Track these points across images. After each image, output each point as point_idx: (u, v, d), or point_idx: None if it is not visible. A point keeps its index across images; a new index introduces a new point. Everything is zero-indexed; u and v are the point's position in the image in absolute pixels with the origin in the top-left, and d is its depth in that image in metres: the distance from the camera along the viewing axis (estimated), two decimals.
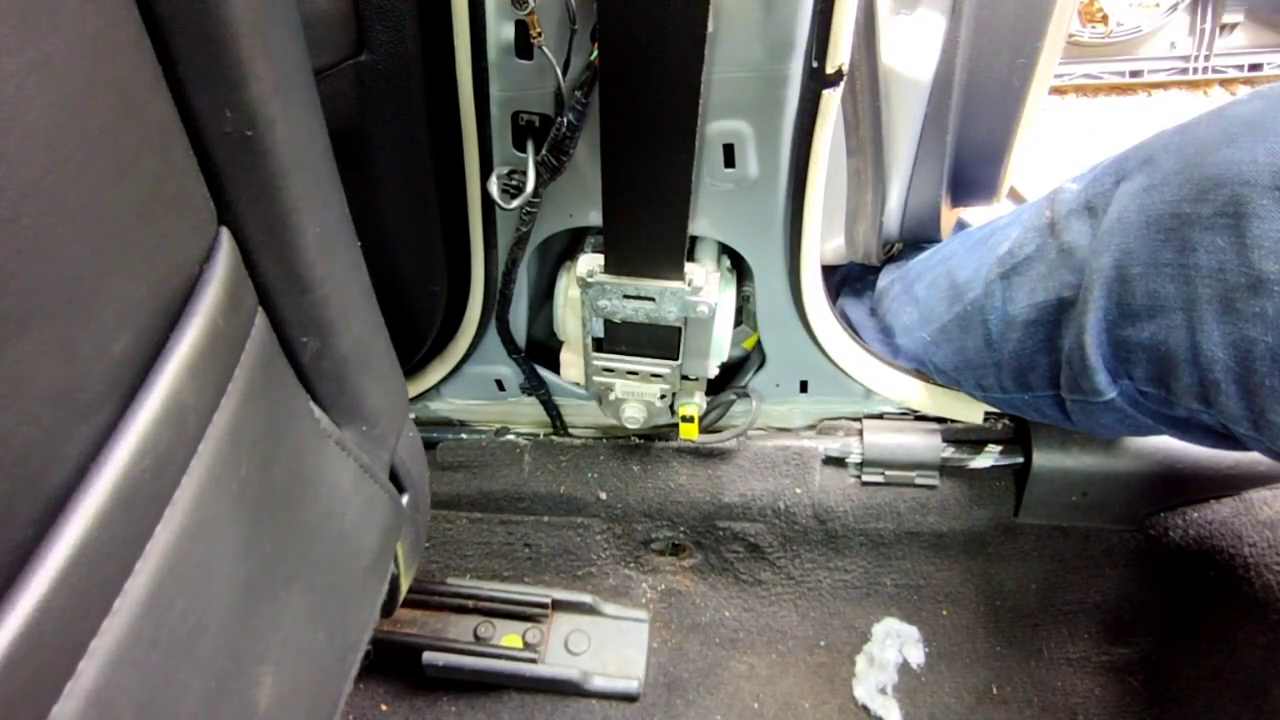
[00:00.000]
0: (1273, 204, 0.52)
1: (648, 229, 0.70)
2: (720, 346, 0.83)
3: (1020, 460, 0.90)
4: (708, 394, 0.92)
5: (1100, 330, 0.63)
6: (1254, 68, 1.67)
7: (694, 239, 0.79)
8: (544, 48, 0.61)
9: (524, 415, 1.02)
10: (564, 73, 0.62)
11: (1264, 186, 0.53)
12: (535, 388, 0.95)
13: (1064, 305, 0.67)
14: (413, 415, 0.94)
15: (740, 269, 0.84)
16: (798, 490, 0.96)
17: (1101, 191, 0.64)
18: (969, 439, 0.92)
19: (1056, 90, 2.03)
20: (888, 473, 0.94)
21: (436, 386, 0.96)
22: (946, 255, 0.82)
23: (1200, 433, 0.64)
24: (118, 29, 0.30)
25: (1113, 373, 0.64)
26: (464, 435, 1.03)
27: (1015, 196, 1.27)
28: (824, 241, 0.88)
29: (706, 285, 0.74)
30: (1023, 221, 0.72)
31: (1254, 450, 0.60)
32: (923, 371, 0.88)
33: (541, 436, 1.03)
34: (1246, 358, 0.54)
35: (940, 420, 0.93)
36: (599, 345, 0.83)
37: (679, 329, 0.79)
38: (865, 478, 0.95)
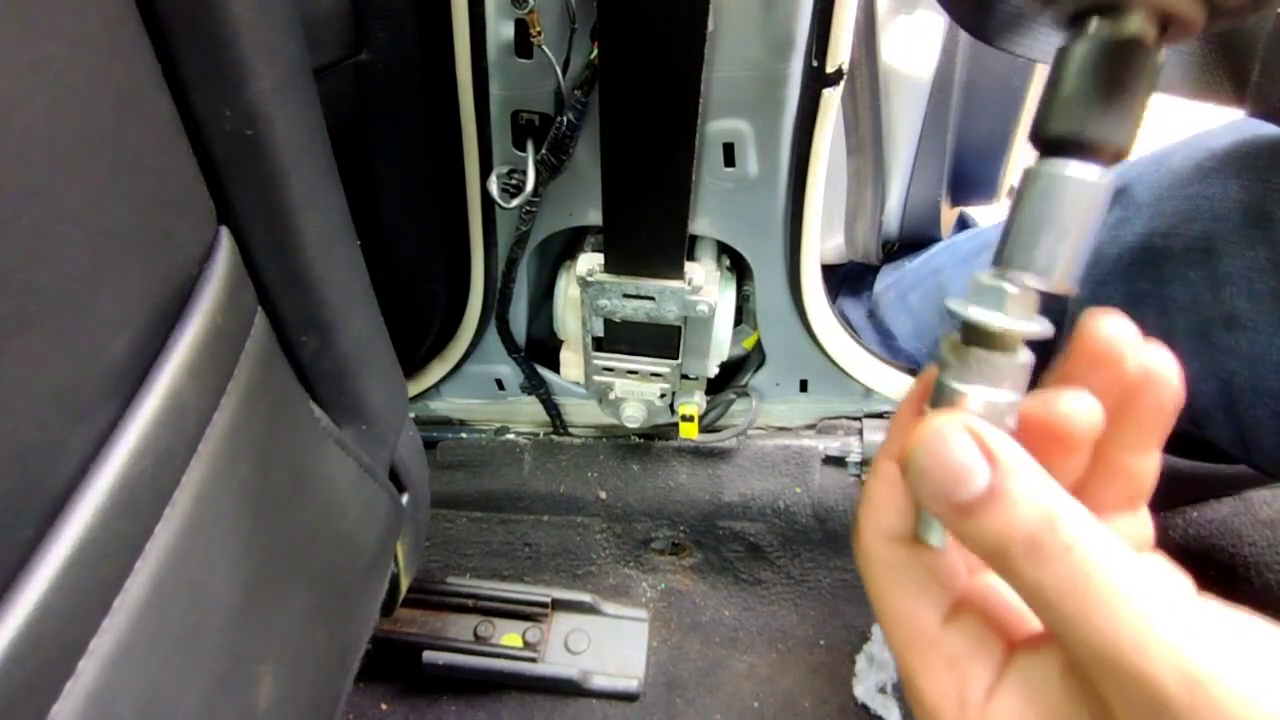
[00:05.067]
0: (1244, 242, 0.51)
1: (648, 228, 0.70)
2: (720, 345, 0.83)
3: None
4: (707, 393, 0.92)
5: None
6: None
7: (694, 238, 0.79)
8: (544, 46, 0.60)
9: (524, 414, 1.02)
10: (564, 72, 0.62)
11: (1235, 224, 0.52)
12: (535, 387, 0.95)
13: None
14: (413, 414, 0.94)
15: (740, 268, 0.84)
16: (798, 489, 0.96)
17: None
18: None
19: None
20: None
21: (436, 386, 0.96)
22: (937, 267, 0.82)
23: (1195, 450, 0.64)
24: (118, 28, 0.30)
25: None
26: (464, 434, 1.03)
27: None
28: (824, 241, 0.88)
29: (706, 284, 0.74)
30: None
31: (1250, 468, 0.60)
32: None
33: (541, 436, 1.03)
34: (1228, 388, 0.54)
35: None
36: (599, 344, 0.83)
37: (679, 328, 0.79)
38: (865, 477, 0.95)
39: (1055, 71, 0.28)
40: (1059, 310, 0.65)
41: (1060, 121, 0.27)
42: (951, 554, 0.31)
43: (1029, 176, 0.28)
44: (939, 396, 0.28)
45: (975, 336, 0.28)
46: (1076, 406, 0.27)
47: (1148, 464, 0.29)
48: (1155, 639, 0.22)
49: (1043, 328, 0.27)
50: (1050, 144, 0.27)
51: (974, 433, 0.25)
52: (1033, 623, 0.29)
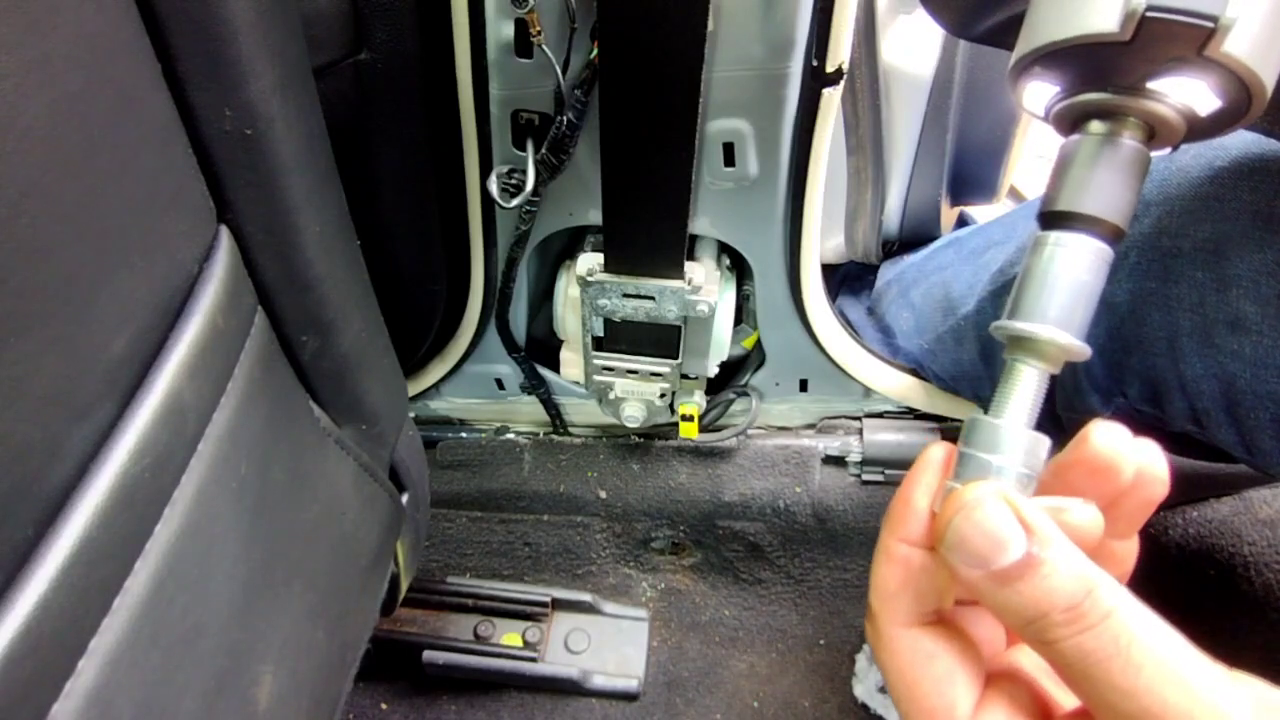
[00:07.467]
0: (1253, 244, 0.51)
1: (647, 228, 0.70)
2: (720, 345, 0.83)
3: None
4: (707, 393, 0.92)
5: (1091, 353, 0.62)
6: None
7: (694, 238, 0.79)
8: (544, 46, 0.60)
9: (524, 414, 1.02)
10: (564, 71, 0.62)
11: (1245, 226, 0.51)
12: (535, 386, 0.95)
13: None
14: (412, 414, 0.94)
15: (740, 268, 0.84)
16: (797, 489, 0.96)
17: None
18: None
19: None
20: (887, 471, 0.94)
21: (436, 385, 0.96)
22: (942, 264, 0.82)
23: (1197, 449, 0.63)
24: (117, 27, 0.29)
25: (1106, 393, 0.64)
26: (464, 434, 1.03)
27: (1015, 195, 1.27)
28: (824, 241, 0.88)
29: (706, 284, 0.74)
30: (1017, 239, 0.72)
31: (1251, 468, 0.60)
32: (921, 372, 0.88)
33: (541, 435, 1.03)
34: (1230, 390, 0.53)
35: (939, 419, 0.93)
36: (599, 344, 0.83)
37: (679, 328, 0.79)
38: (865, 476, 0.95)
39: (1061, 160, 0.32)
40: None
41: (1064, 201, 0.31)
42: (979, 633, 0.30)
43: (1036, 244, 0.31)
44: (965, 469, 0.29)
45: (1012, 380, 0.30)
46: (1084, 517, 0.28)
47: (1130, 547, 0.31)
48: (1202, 703, 0.22)
49: (1083, 347, 0.30)
50: (1055, 219, 0.31)
51: (1010, 502, 0.26)
52: (1063, 704, 0.29)
